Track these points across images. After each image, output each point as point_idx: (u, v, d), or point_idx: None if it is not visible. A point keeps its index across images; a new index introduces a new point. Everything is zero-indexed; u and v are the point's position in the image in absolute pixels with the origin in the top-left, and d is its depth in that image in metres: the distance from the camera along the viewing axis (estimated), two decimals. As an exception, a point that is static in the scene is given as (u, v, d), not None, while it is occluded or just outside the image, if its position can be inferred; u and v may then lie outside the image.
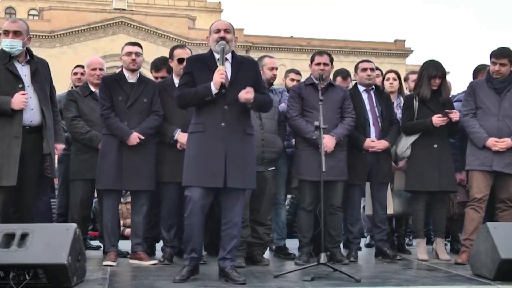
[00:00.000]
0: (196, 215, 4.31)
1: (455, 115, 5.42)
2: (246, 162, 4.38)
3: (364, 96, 5.74)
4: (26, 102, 4.61)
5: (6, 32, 4.70)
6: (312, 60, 5.57)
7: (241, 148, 4.35)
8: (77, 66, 6.54)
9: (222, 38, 4.42)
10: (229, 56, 4.49)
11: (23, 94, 4.61)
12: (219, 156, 4.27)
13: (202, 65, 4.45)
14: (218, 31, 4.47)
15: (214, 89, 4.26)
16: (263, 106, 4.58)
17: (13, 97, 4.58)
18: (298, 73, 6.81)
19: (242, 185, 4.39)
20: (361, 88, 5.78)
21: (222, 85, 4.27)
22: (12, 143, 4.55)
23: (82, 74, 6.29)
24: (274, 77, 6.07)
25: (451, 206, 6.07)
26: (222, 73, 4.25)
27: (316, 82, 5.28)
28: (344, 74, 6.44)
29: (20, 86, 4.66)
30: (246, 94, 4.28)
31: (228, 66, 4.43)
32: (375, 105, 5.71)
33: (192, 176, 4.33)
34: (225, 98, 4.32)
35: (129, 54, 5.43)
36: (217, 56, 4.41)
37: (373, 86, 5.81)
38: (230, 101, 4.33)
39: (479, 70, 6.23)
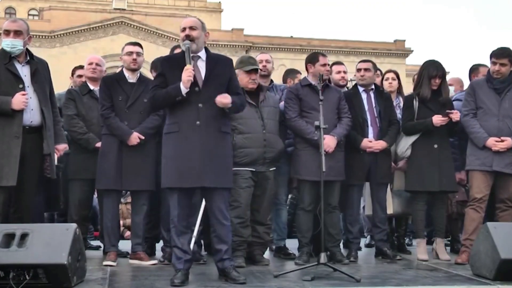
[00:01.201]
0: (182, 218, 4.29)
1: (455, 115, 5.42)
2: (222, 161, 4.33)
3: (363, 96, 5.74)
4: (26, 103, 4.60)
5: (7, 32, 4.70)
6: (313, 60, 5.55)
7: (217, 146, 4.29)
8: (79, 67, 6.48)
9: (187, 37, 4.34)
10: (202, 53, 4.42)
11: (23, 95, 4.60)
12: (195, 155, 4.21)
13: (174, 65, 4.36)
14: (184, 29, 4.39)
15: (183, 88, 4.19)
16: (239, 109, 4.51)
17: (13, 97, 4.57)
18: (301, 73, 6.82)
19: (219, 184, 4.30)
20: (360, 88, 5.78)
21: (195, 84, 4.22)
22: (12, 143, 4.55)
23: (85, 75, 6.28)
24: (264, 69, 6.06)
25: (449, 205, 6.07)
26: (190, 71, 4.19)
27: (314, 83, 5.31)
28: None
29: (20, 86, 4.65)
30: (224, 99, 4.25)
31: (202, 64, 4.37)
32: (373, 105, 5.71)
33: (171, 178, 4.27)
34: (199, 96, 4.26)
35: (130, 53, 5.44)
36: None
37: (373, 86, 5.81)
38: (205, 99, 4.27)
39: (473, 71, 6.27)
